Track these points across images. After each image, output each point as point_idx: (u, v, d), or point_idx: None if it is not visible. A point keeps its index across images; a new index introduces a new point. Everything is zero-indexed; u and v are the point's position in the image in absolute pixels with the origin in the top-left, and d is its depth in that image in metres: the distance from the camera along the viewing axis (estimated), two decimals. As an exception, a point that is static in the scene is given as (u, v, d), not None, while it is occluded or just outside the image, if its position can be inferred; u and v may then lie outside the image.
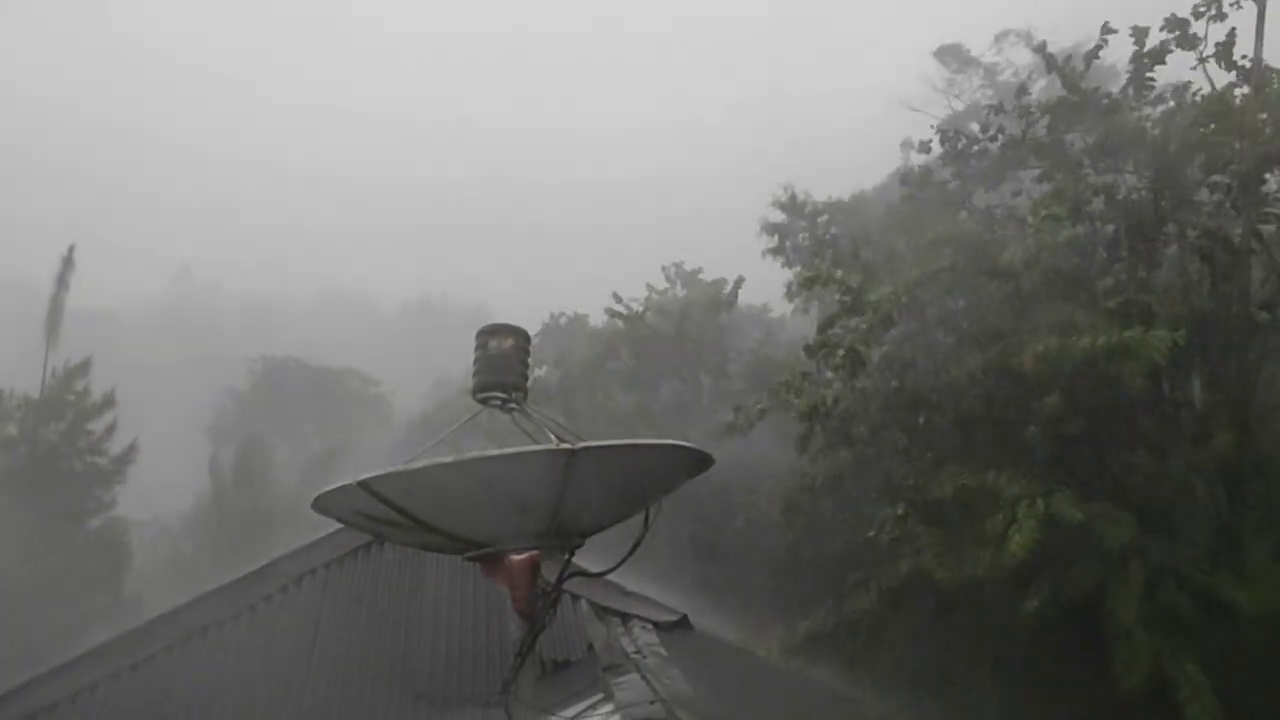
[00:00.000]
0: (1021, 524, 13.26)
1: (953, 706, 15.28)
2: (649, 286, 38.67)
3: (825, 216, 31.74)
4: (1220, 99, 15.27)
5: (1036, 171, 17.33)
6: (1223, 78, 15.75)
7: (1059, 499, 13.28)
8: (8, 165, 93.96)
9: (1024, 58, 37.65)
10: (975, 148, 18.59)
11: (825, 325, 17.53)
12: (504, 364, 5.02)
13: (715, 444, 19.67)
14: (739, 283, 34.53)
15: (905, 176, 21.71)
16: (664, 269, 39.68)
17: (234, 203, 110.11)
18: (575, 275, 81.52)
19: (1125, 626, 13.07)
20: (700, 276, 39.34)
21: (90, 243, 41.76)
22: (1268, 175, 14.84)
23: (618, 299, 36.52)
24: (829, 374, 17.96)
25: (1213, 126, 14.88)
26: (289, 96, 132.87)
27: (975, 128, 19.42)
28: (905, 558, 15.18)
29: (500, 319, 5.30)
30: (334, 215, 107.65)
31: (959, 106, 39.17)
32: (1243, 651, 13.46)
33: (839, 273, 16.97)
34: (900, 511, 15.79)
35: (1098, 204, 16.01)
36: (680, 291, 38.77)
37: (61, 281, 39.08)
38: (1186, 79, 16.56)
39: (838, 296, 16.82)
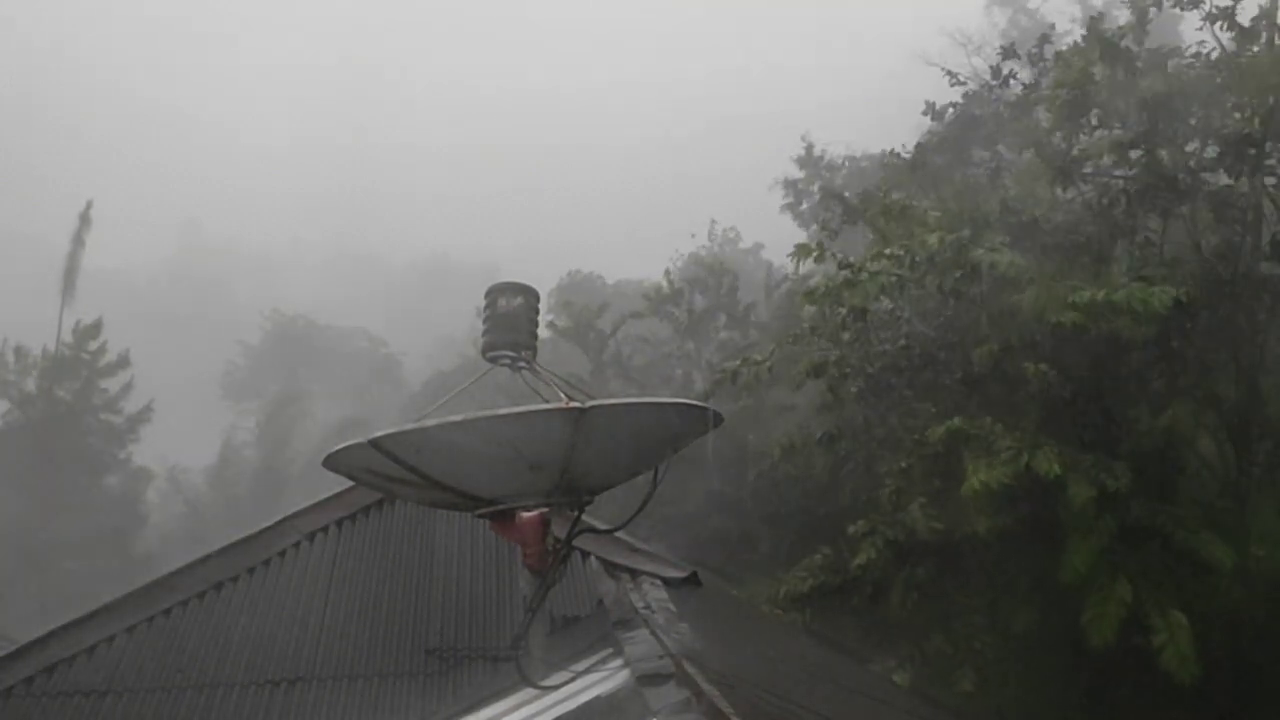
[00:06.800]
0: (993, 468, 13.21)
1: (957, 663, 15.36)
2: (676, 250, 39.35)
3: (845, 170, 31.59)
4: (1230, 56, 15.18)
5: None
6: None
7: (1042, 453, 13.14)
8: (17, 122, 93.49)
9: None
10: (993, 95, 18.42)
11: (824, 294, 17.29)
12: (513, 322, 5.04)
13: (731, 401, 19.66)
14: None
15: (919, 145, 21.53)
16: (711, 224, 40.44)
17: (243, 163, 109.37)
18: (585, 235, 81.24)
19: (1085, 577, 13.01)
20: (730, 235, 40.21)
21: (100, 201, 41.72)
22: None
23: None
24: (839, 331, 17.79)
25: (1221, 81, 14.75)
26: (298, 59, 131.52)
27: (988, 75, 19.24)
28: (905, 511, 15.20)
29: (510, 278, 5.32)
30: (342, 175, 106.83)
31: (979, 63, 38.92)
32: (1223, 609, 13.44)
33: (835, 253, 16.73)
34: (904, 464, 15.79)
35: (1107, 161, 15.88)
36: (716, 249, 39.42)
37: (78, 240, 39.08)
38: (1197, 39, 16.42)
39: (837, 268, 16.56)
